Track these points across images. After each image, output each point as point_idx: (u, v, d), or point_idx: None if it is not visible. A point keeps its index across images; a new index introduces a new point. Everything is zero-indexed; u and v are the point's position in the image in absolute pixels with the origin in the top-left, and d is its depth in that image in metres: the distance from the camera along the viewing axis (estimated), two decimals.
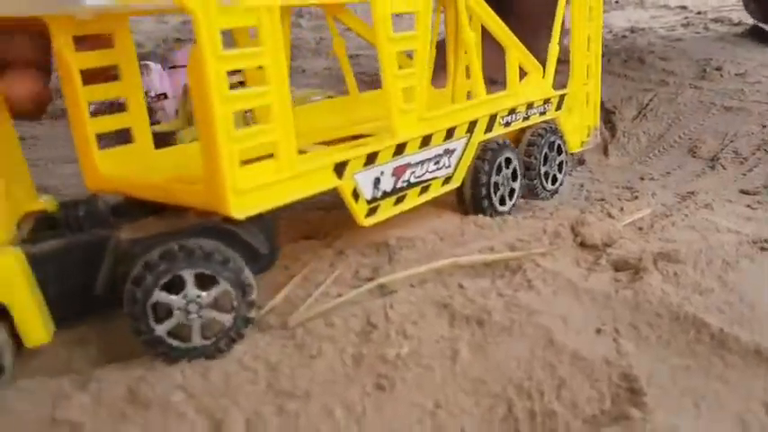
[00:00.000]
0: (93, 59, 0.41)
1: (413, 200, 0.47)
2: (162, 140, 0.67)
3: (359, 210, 0.43)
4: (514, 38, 0.54)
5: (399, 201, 0.46)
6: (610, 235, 0.50)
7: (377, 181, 0.44)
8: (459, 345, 0.38)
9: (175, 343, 0.36)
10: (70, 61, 0.40)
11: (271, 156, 0.37)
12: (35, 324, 0.34)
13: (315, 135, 0.52)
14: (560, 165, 0.61)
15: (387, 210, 0.45)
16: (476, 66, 0.51)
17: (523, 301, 0.41)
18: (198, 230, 0.35)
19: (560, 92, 0.61)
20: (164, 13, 0.38)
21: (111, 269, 0.35)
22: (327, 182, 0.40)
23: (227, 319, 0.36)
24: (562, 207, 0.60)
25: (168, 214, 0.38)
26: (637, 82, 1.04)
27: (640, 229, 0.53)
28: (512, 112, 0.55)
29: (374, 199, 0.44)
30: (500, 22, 0.53)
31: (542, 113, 0.59)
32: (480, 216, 0.53)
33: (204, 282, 0.35)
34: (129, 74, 0.43)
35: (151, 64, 0.87)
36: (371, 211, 0.44)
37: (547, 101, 0.59)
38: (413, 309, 0.40)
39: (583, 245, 0.49)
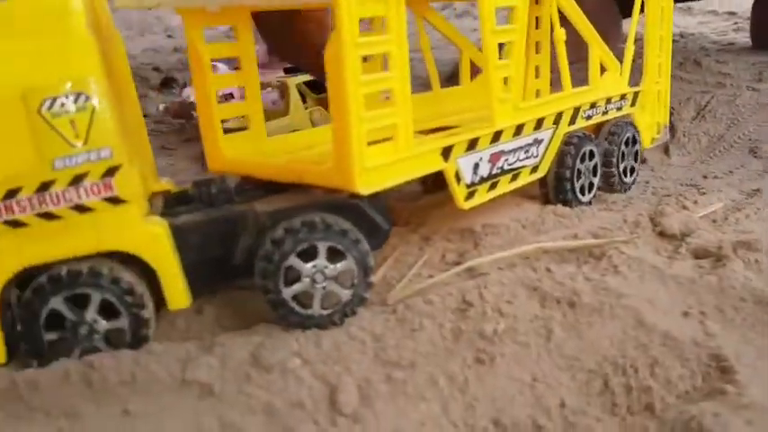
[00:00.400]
0: (221, 51, 0.44)
1: (504, 186, 0.50)
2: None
3: (460, 192, 0.46)
4: (597, 35, 0.57)
5: (493, 187, 0.49)
6: (687, 225, 0.52)
7: (476, 166, 0.47)
8: (552, 324, 0.40)
9: (297, 308, 0.38)
10: (202, 52, 0.43)
11: (386, 140, 0.40)
12: (180, 289, 0.37)
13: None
14: (635, 158, 0.63)
15: (482, 195, 0.48)
16: (564, 62, 0.54)
17: (611, 284, 0.43)
18: (330, 205, 0.39)
19: (635, 89, 0.63)
20: (307, 7, 0.40)
21: (252, 239, 0.38)
22: (435, 164, 0.43)
23: (346, 294, 0.39)
24: (634, 200, 0.62)
25: (292, 192, 0.41)
26: (694, 84, 1.06)
27: (714, 221, 0.55)
28: (593, 106, 0.58)
29: (473, 183, 0.47)
30: (585, 20, 0.55)
31: (619, 109, 0.61)
32: (559, 206, 0.55)
33: (333, 255, 0.38)
34: (249, 66, 0.46)
35: (219, 64, 0.91)
36: (470, 195, 0.47)
37: (623, 97, 0.62)
38: (505, 290, 0.42)
39: (662, 234, 0.51)
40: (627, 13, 1.22)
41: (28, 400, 0.33)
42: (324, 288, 0.39)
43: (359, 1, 0.36)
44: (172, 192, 0.43)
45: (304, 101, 0.74)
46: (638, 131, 0.64)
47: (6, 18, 0.32)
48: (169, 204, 0.41)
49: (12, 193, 0.32)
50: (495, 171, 0.49)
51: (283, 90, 0.65)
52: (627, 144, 0.62)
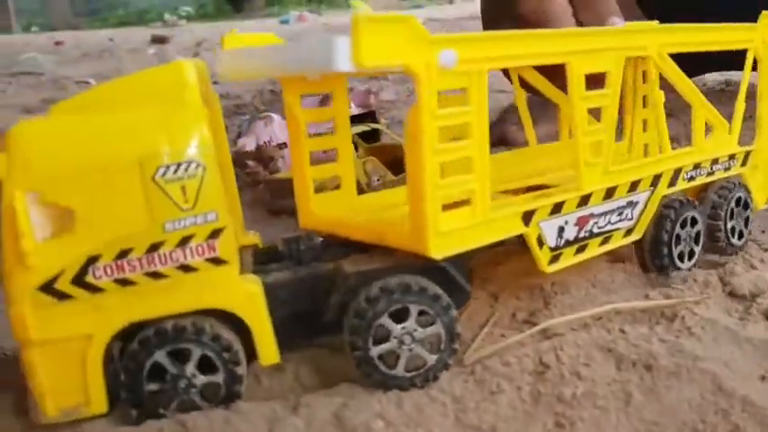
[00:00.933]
0: (316, 115, 0.47)
1: (593, 249, 0.49)
2: (280, 186, 0.73)
3: (542, 256, 0.46)
4: (701, 95, 0.55)
5: (581, 250, 0.48)
6: (757, 285, 0.52)
7: (561, 230, 0.46)
8: (630, 387, 0.40)
9: (382, 367, 0.40)
10: (299, 116, 0.46)
11: (463, 203, 0.41)
12: (271, 345, 0.39)
13: (496, 184, 0.56)
14: (746, 220, 0.60)
15: (568, 258, 0.48)
16: (662, 121, 0.53)
17: (686, 347, 0.43)
18: (417, 268, 0.40)
19: (746, 148, 0.60)
20: (389, 74, 0.42)
21: (341, 297, 0.40)
22: (515, 228, 0.44)
23: (431, 358, 0.41)
24: (702, 255, 0.59)
25: (377, 252, 0.42)
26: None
27: None
28: (696, 167, 0.55)
29: (557, 247, 0.47)
30: (687, 79, 0.54)
31: (727, 169, 0.59)
32: (627, 264, 0.55)
33: (423, 319, 0.40)
34: (343, 128, 0.49)
35: (274, 115, 0.96)
36: (554, 259, 0.47)
37: (732, 157, 0.59)
38: (580, 352, 0.43)
39: (732, 294, 0.51)
40: (695, 71, 1.13)
41: None
42: (410, 350, 0.40)
43: (441, 73, 0.37)
44: (260, 246, 0.45)
45: (356, 150, 0.76)
46: (749, 192, 0.60)
47: (128, 91, 0.36)
48: (258, 260, 0.44)
49: (124, 254, 0.35)
50: (582, 234, 0.48)
51: None
52: (738, 204, 0.59)
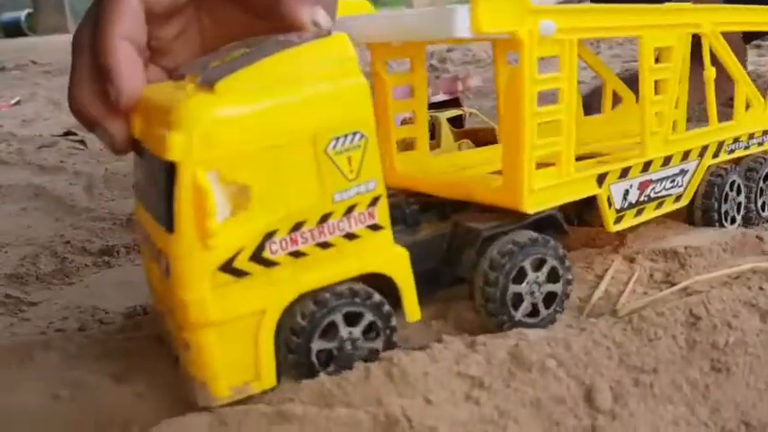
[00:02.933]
0: (400, 80, 0.50)
1: (649, 213, 0.53)
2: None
3: (610, 216, 0.49)
4: (744, 72, 0.59)
5: (639, 213, 0.52)
6: None
7: (626, 193, 0.50)
8: None
9: (529, 320, 0.44)
10: (386, 80, 0.49)
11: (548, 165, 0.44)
12: (415, 303, 0.40)
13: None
14: None
15: (629, 219, 0.52)
16: (711, 98, 0.56)
17: None
18: (533, 222, 0.44)
19: None
20: (484, 41, 0.44)
21: (477, 254, 0.43)
22: (591, 189, 0.47)
23: (558, 287, 0.44)
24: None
25: (476, 209, 0.46)
26: None
27: None
28: (735, 140, 0.59)
29: (622, 209, 0.50)
30: (734, 57, 0.57)
31: (761, 144, 0.63)
32: (757, 230, 0.59)
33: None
34: (420, 93, 0.52)
35: None
36: (618, 219, 0.51)
37: (765, 132, 0.63)
38: (726, 306, 0.45)
39: None
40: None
41: (335, 394, 0.35)
42: (541, 293, 0.44)
43: (540, 41, 0.40)
44: None
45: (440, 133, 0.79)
46: None
47: (295, 65, 0.35)
48: None
49: (298, 226, 0.35)
50: (642, 198, 0.52)
51: (435, 124, 0.70)
52: (766, 179, 0.63)
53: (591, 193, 0.48)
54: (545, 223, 0.44)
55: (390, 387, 0.36)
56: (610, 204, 0.49)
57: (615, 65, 1.95)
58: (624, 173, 0.50)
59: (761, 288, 0.48)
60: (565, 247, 0.45)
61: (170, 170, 0.33)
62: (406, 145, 0.54)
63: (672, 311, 0.44)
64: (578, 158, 0.59)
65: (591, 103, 0.73)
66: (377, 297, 0.38)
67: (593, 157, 0.55)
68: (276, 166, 0.34)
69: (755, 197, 0.63)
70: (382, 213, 0.37)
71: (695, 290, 0.49)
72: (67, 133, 1.35)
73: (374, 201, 0.37)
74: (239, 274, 0.34)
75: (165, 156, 0.33)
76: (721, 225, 0.58)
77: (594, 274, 0.54)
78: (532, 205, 0.43)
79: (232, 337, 0.35)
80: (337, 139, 0.35)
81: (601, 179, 0.48)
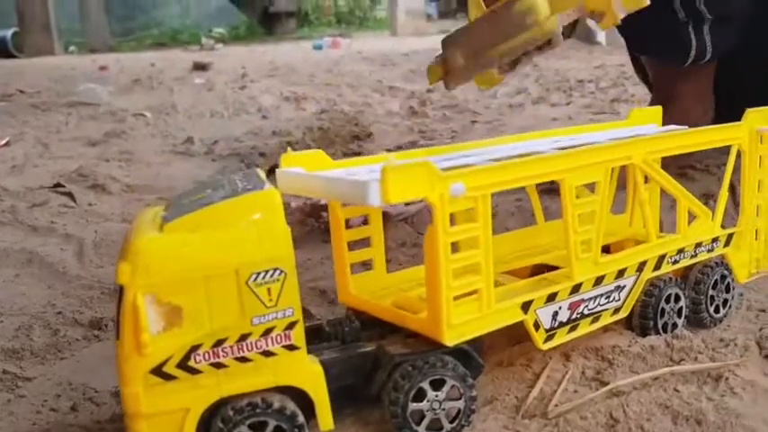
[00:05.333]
0: (352, 212, 0.57)
1: (585, 328, 0.58)
2: None
3: (538, 337, 0.55)
4: (684, 190, 0.63)
5: (573, 329, 0.57)
6: None
7: (555, 314, 0.55)
8: None
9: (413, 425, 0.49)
10: (339, 214, 0.56)
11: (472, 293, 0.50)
12: (328, 414, 0.48)
13: (504, 263, 0.65)
14: (727, 290, 0.67)
15: (561, 336, 0.57)
16: (647, 215, 0.61)
17: (731, 405, 0.52)
18: (444, 349, 0.50)
19: (729, 230, 0.68)
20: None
21: (387, 375, 0.49)
22: (515, 316, 0.53)
23: (460, 404, 0.50)
24: (734, 318, 0.70)
25: (406, 333, 0.52)
26: None
27: None
28: (680, 251, 0.63)
29: (552, 328, 0.55)
30: (671, 179, 0.62)
31: (710, 251, 0.66)
32: (678, 332, 0.64)
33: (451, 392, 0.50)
34: (376, 220, 0.59)
35: None
36: (549, 338, 0.56)
37: (715, 239, 0.67)
38: (643, 408, 0.53)
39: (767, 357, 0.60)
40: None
41: None
42: (443, 409, 0.50)
43: (452, 200, 0.47)
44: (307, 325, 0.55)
45: None
46: (729, 269, 0.68)
47: (231, 213, 0.44)
48: (308, 337, 0.53)
49: (219, 342, 0.44)
50: (574, 316, 0.57)
51: None
52: (714, 286, 0.66)
53: (516, 320, 0.53)
54: (459, 353, 0.50)
55: None
56: (537, 327, 0.55)
57: (584, 116, 2.03)
58: (551, 297, 0.55)
59: (676, 390, 0.55)
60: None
61: (120, 291, 0.43)
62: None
63: (594, 415, 0.52)
64: (533, 269, 0.65)
65: None
66: (289, 407, 0.46)
67: (552, 268, 0.61)
68: (205, 292, 0.43)
69: (706, 303, 0.66)
70: (298, 335, 0.46)
71: (620, 390, 0.55)
72: (57, 185, 1.47)
73: (290, 325, 0.45)
74: (167, 377, 0.43)
75: (117, 279, 0.43)
76: (658, 334, 0.62)
77: (533, 372, 0.59)
78: (452, 338, 0.49)
79: (160, 428, 0.43)
80: (258, 273, 0.44)
81: (526, 307, 0.53)
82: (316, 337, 0.54)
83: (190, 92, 3.23)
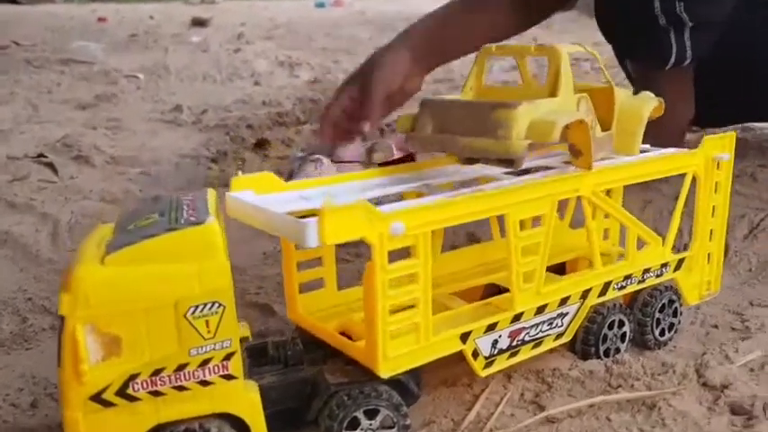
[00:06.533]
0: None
1: (526, 353, 0.59)
2: None
3: (477, 364, 0.56)
4: (634, 218, 0.64)
5: (513, 355, 0.59)
6: (727, 377, 0.61)
7: (495, 342, 0.57)
8: None
9: None
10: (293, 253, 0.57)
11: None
12: None
13: (453, 282, 0.66)
14: (674, 314, 0.69)
15: (501, 363, 0.58)
16: (595, 246, 0.62)
17: None
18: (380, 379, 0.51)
19: (680, 255, 0.69)
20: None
21: (322, 403, 0.51)
22: (454, 346, 0.55)
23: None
24: (683, 335, 0.71)
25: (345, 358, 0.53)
26: (749, 199, 1.08)
27: (752, 370, 0.65)
28: (627, 277, 0.64)
29: (491, 355, 0.57)
30: (620, 209, 0.63)
31: (659, 276, 0.67)
32: (620, 356, 0.65)
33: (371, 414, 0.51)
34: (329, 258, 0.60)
35: (324, 158, 1.05)
36: (488, 364, 0.57)
37: (665, 264, 0.67)
38: None
39: (705, 385, 0.61)
40: (720, 121, 1.24)
41: None
42: None
43: (390, 238, 0.47)
44: (251, 342, 0.56)
45: None
46: (677, 294, 0.69)
47: (169, 247, 0.45)
48: (251, 355, 0.54)
49: (157, 372, 0.45)
50: (515, 343, 0.58)
51: None
52: (662, 310, 0.67)
53: (454, 350, 0.54)
54: (395, 383, 0.51)
55: None
56: (476, 355, 0.56)
57: None
58: (491, 327, 0.56)
59: (608, 419, 0.57)
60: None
61: (61, 319, 0.44)
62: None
63: None
64: (485, 290, 0.66)
65: None
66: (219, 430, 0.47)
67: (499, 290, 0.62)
68: (143, 323, 0.44)
69: (652, 327, 0.67)
70: (235, 366, 0.47)
71: (554, 417, 0.57)
72: (40, 155, 1.48)
73: (228, 356, 0.47)
74: (106, 404, 0.45)
75: (58, 309, 0.44)
76: (599, 359, 0.64)
77: (472, 393, 0.61)
78: (388, 370, 0.50)
79: None
80: (196, 306, 0.45)
81: (464, 337, 0.55)
82: (261, 356, 0.55)
83: (184, 52, 3.19)
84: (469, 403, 0.59)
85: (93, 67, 2.71)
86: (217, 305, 0.45)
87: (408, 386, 0.53)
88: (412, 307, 0.51)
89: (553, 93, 0.56)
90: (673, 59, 1.05)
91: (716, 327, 0.74)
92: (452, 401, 0.60)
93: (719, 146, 0.69)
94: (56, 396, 0.65)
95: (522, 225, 0.56)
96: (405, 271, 0.50)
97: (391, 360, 0.50)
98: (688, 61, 1.06)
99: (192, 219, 0.47)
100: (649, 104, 0.66)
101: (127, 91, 2.30)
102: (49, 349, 0.74)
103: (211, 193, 0.53)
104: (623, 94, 0.67)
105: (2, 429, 0.60)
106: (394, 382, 0.52)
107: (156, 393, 0.45)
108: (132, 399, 0.45)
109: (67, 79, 2.51)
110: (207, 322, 0.45)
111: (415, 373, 0.53)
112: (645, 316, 0.67)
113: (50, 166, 1.43)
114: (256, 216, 0.51)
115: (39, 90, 2.31)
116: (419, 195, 0.58)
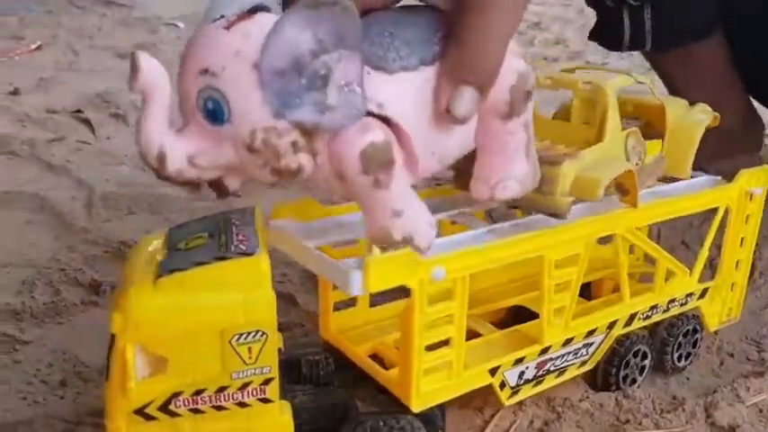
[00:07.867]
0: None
1: (550, 382, 0.60)
2: None
3: (503, 395, 0.57)
4: (662, 251, 0.63)
5: (538, 383, 0.59)
6: (735, 419, 0.61)
7: (521, 373, 0.57)
8: None
9: None
10: None
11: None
12: None
13: (480, 303, 0.66)
14: (694, 344, 0.69)
15: (527, 392, 0.59)
16: (624, 279, 0.61)
17: None
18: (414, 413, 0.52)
19: (705, 284, 0.68)
20: None
21: (351, 430, 0.52)
22: (483, 380, 0.55)
23: None
24: (696, 369, 0.71)
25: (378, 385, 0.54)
26: None
27: (761, 410, 0.64)
28: (653, 308, 0.64)
29: (517, 386, 0.57)
30: (649, 242, 0.62)
31: (683, 304, 0.67)
32: (628, 389, 0.65)
33: None
34: None
35: None
36: (514, 394, 0.58)
37: (690, 294, 0.67)
38: None
39: (713, 425, 0.61)
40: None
41: None
42: None
43: (431, 283, 0.47)
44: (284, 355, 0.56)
45: None
46: (700, 323, 0.69)
47: (220, 275, 0.46)
48: (284, 372, 0.55)
49: (199, 392, 0.46)
50: (541, 373, 0.59)
51: None
52: (685, 335, 0.68)
53: (483, 384, 0.55)
54: (422, 416, 0.52)
55: None
56: (503, 386, 0.57)
57: None
58: (518, 361, 0.56)
59: None
60: None
61: (112, 337, 0.45)
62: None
63: None
64: (507, 313, 0.66)
65: None
66: None
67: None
68: (190, 347, 0.45)
69: (672, 350, 0.68)
70: (272, 391, 0.48)
71: None
72: (78, 111, 1.48)
73: (266, 381, 0.48)
74: (149, 418, 0.46)
75: (110, 328, 0.45)
76: (618, 388, 0.64)
77: (483, 418, 0.62)
78: (420, 405, 0.51)
79: None
80: (241, 334, 0.46)
81: (493, 371, 0.55)
82: (293, 369, 0.56)
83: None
84: (479, 428, 0.60)
85: (132, 11, 2.67)
86: (260, 333, 0.46)
87: (435, 420, 0.54)
88: (445, 342, 0.52)
89: (600, 137, 0.55)
90: (626, 41, 0.97)
91: (731, 355, 0.74)
92: (463, 425, 0.60)
93: (755, 179, 0.68)
94: (84, 375, 0.66)
95: (557, 264, 0.56)
96: (442, 313, 0.50)
97: (423, 395, 0.51)
98: (648, 44, 0.97)
99: (242, 248, 0.47)
100: (701, 125, 0.65)
101: (166, 41, 2.26)
102: (80, 325, 0.75)
103: (258, 214, 0.53)
104: (676, 111, 0.65)
105: (32, 413, 0.61)
106: (423, 416, 0.53)
107: (196, 411, 0.47)
108: (173, 414, 0.46)
109: (108, 23, 2.48)
110: (249, 349, 0.46)
111: (441, 405, 0.54)
112: (669, 336, 0.67)
113: (87, 123, 1.44)
114: (302, 254, 0.51)
115: (80, 34, 2.29)
116: (453, 223, 0.58)
